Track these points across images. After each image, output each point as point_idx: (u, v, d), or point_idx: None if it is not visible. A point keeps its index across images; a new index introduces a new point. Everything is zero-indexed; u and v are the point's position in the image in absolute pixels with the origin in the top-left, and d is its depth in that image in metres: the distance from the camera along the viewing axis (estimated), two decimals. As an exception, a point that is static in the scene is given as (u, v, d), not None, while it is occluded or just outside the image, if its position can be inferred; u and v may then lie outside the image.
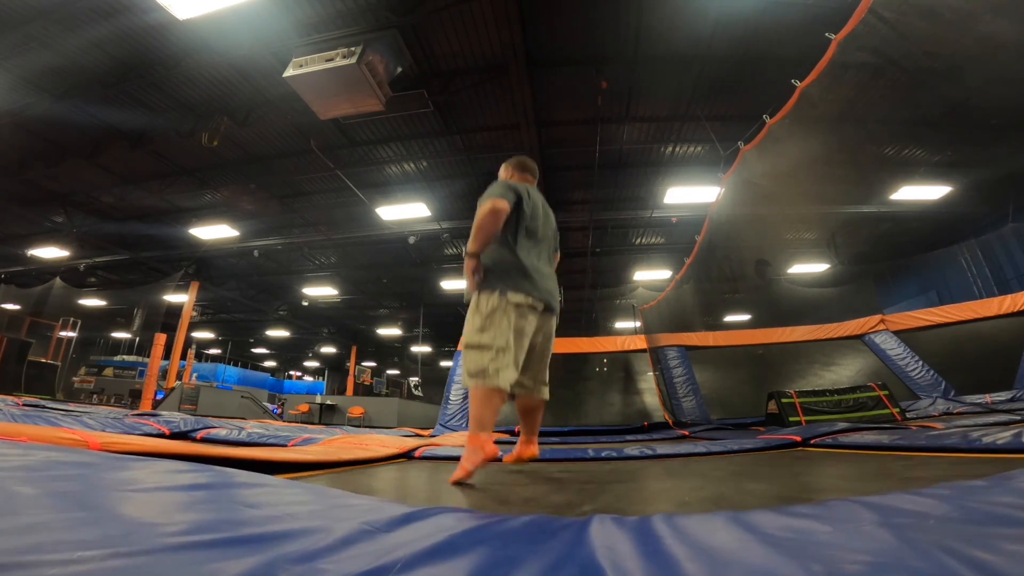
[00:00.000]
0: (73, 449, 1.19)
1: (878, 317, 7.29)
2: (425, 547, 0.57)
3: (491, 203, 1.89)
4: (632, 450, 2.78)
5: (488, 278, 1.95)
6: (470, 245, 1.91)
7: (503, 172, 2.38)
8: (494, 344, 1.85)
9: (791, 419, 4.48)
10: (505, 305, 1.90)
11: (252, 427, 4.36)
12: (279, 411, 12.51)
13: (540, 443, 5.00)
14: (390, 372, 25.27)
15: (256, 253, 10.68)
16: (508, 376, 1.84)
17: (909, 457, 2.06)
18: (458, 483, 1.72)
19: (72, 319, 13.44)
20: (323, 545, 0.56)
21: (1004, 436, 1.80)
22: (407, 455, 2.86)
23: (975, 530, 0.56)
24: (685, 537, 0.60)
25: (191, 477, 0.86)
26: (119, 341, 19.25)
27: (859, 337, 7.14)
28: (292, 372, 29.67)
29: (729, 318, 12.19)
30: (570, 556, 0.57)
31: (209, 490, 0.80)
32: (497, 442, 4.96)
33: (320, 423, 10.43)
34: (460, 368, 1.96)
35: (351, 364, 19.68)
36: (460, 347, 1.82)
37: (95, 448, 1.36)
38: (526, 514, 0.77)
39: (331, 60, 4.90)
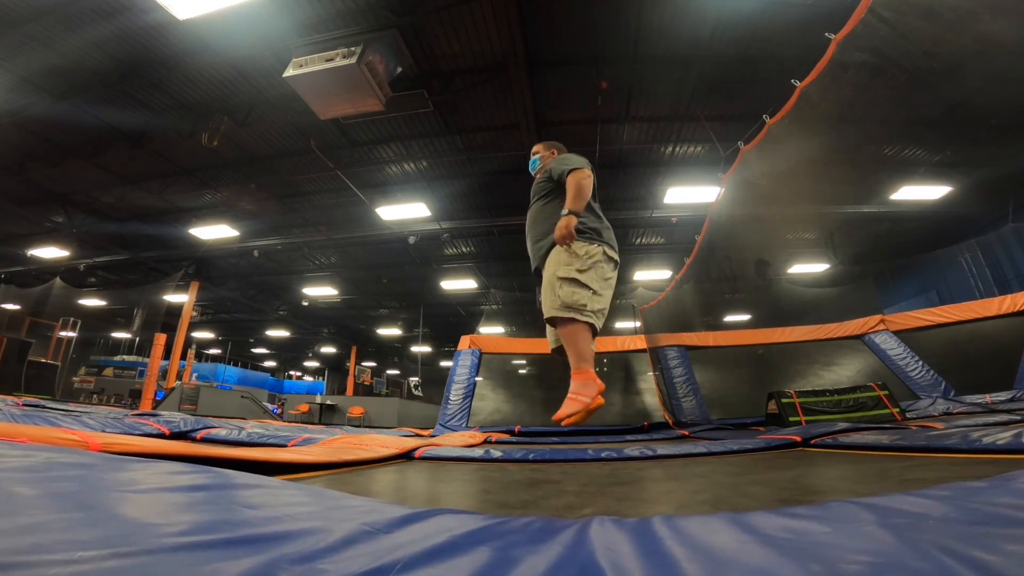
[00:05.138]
0: (73, 450, 1.19)
1: (878, 317, 7.28)
2: (425, 548, 0.57)
3: (587, 172, 2.13)
4: (632, 450, 2.78)
5: (585, 232, 2.10)
6: (576, 205, 2.05)
7: (547, 151, 2.66)
8: (591, 286, 2.01)
9: (791, 419, 4.47)
10: (604, 257, 2.10)
11: (252, 427, 4.36)
12: (279, 411, 12.50)
13: (540, 444, 4.97)
14: (390, 372, 25.28)
15: (256, 253, 10.68)
16: (601, 322, 2.03)
17: (909, 457, 2.06)
18: (562, 419, 1.94)
19: (72, 319, 13.43)
20: (323, 546, 0.56)
21: (1004, 436, 1.80)
22: (407, 455, 2.86)
23: (975, 530, 0.56)
24: (685, 538, 0.60)
25: (190, 478, 0.86)
26: (119, 341, 19.24)
27: (859, 337, 7.13)
28: (292, 372, 29.66)
29: (729, 318, 12.18)
30: (570, 557, 0.57)
31: (208, 491, 0.80)
32: (497, 441, 4.92)
33: (320, 423, 10.42)
34: (547, 296, 2.06)
35: (351, 364, 19.69)
36: (549, 279, 2.20)
37: (95, 449, 1.36)
38: (526, 516, 0.77)
39: (331, 60, 4.90)
